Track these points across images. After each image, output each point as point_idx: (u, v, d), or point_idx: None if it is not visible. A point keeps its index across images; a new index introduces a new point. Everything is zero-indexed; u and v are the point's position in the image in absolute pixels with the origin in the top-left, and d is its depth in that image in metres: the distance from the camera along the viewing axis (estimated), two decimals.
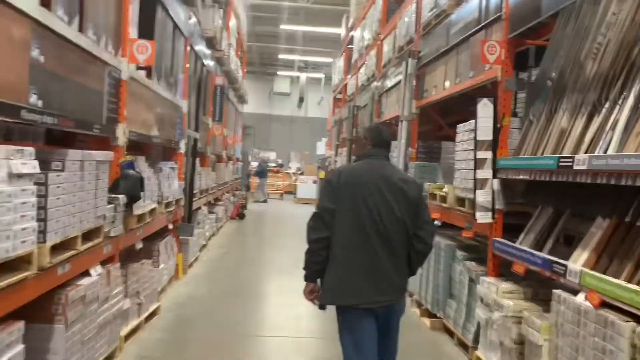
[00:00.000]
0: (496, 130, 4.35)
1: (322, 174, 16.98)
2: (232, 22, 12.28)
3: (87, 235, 3.56)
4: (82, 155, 3.38)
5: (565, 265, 3.17)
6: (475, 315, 4.29)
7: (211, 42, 9.28)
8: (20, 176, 2.62)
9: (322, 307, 2.99)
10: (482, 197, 4.31)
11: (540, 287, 3.87)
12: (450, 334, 4.93)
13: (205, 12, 8.41)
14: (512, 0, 4.29)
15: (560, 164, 3.27)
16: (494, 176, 4.29)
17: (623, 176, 2.72)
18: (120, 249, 4.26)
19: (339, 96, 16.32)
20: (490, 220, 4.30)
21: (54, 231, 3.00)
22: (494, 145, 4.32)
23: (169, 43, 6.11)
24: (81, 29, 3.56)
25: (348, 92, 13.60)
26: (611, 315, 2.67)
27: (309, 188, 19.80)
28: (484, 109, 4.38)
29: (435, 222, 5.57)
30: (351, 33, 13.76)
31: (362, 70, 11.28)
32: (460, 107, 7.33)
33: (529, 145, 4.00)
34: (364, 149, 3.06)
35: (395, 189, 2.87)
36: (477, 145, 4.35)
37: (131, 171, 4.37)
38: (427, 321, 5.36)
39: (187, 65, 7.20)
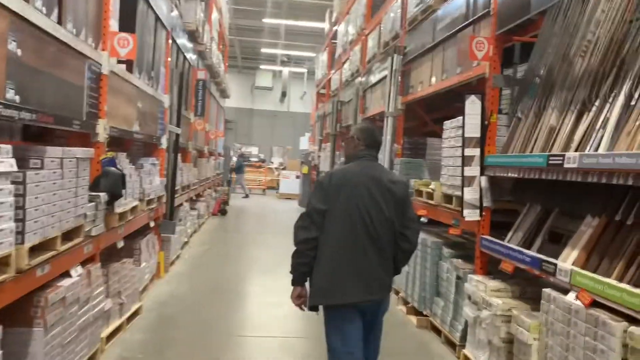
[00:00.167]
0: (484, 127, 4.32)
1: (305, 169, 16.92)
2: (214, 16, 12.12)
3: (67, 235, 3.45)
4: (61, 152, 3.26)
5: (555, 264, 3.16)
6: (462, 314, 4.28)
7: (193, 36, 9.13)
8: None
9: (313, 308, 2.97)
10: (470, 194, 4.29)
11: (527, 285, 3.86)
12: (438, 332, 4.91)
13: (187, 4, 8.26)
14: None
15: (550, 162, 3.25)
16: (482, 173, 4.27)
17: (614, 175, 2.70)
18: (101, 248, 4.15)
19: (322, 91, 16.24)
20: (478, 218, 4.28)
21: (32, 232, 2.89)
22: (481, 142, 4.30)
23: (150, 36, 5.97)
24: (60, 21, 3.43)
25: (332, 87, 13.54)
26: (602, 315, 2.66)
27: (291, 183, 19.69)
28: (472, 105, 4.35)
29: (422, 219, 5.54)
30: (335, 28, 13.68)
31: (346, 65, 11.21)
32: (445, 103, 7.33)
33: (518, 142, 3.98)
34: (355, 149, 3.06)
35: (384, 190, 2.92)
36: (465, 142, 4.33)
37: (112, 168, 4.25)
38: (413, 319, 5.34)
39: (169, 59, 7.06)
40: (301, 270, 2.90)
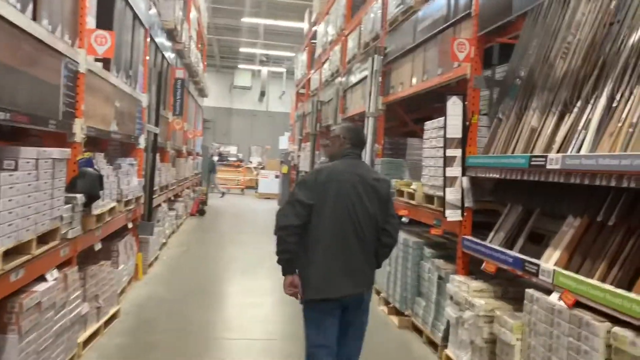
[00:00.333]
0: (465, 128, 4.34)
1: (284, 169, 16.84)
2: (193, 14, 11.98)
3: (43, 238, 3.35)
4: (37, 153, 3.17)
5: (537, 265, 3.17)
6: (444, 314, 4.28)
7: (171, 34, 9.01)
8: None
9: (307, 302, 3.03)
10: (452, 195, 4.30)
11: (509, 286, 3.88)
12: (419, 332, 4.91)
13: (165, 3, 8.14)
14: None
15: (532, 163, 3.26)
16: (463, 174, 4.28)
17: (597, 176, 2.72)
18: (78, 251, 4.05)
19: (302, 91, 16.20)
20: (459, 218, 4.29)
21: (6, 235, 2.80)
22: (463, 143, 4.32)
23: (128, 34, 5.86)
24: (35, 17, 3.33)
25: (311, 87, 13.50)
26: (586, 316, 2.67)
27: (270, 183, 19.57)
28: (454, 106, 4.36)
29: (403, 220, 5.55)
30: (314, 28, 13.64)
31: (326, 65, 11.19)
32: (424, 104, 7.36)
33: (499, 143, 4.00)
34: (341, 147, 3.15)
35: (368, 187, 3.04)
36: (447, 142, 4.33)
37: (89, 169, 4.14)
38: (395, 319, 5.34)
39: (147, 58, 6.94)
40: (285, 257, 2.96)
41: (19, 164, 2.93)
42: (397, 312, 5.41)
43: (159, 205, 8.28)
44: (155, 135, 7.37)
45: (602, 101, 2.97)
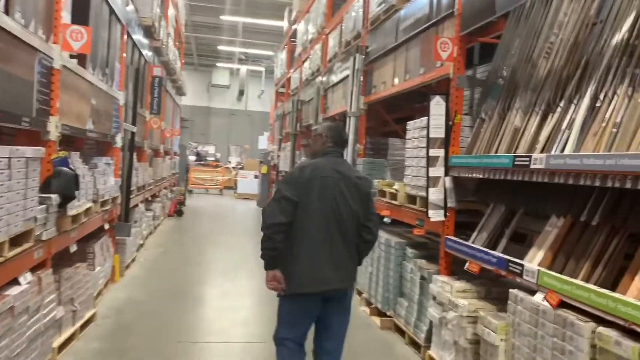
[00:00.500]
0: (448, 128, 4.33)
1: (264, 169, 16.73)
2: (171, 11, 11.81)
3: (16, 240, 3.23)
4: (9, 151, 3.05)
5: (521, 265, 3.17)
6: (427, 314, 4.27)
7: (149, 31, 8.85)
8: None
9: (286, 296, 3.07)
10: (435, 195, 4.28)
11: (492, 286, 3.88)
12: (402, 333, 4.89)
13: None
14: None
15: (516, 162, 3.26)
16: (446, 174, 4.27)
17: (582, 176, 2.72)
18: (52, 253, 3.92)
19: (281, 90, 16.10)
20: (442, 219, 4.28)
21: None
22: (446, 143, 4.31)
23: (105, 30, 5.71)
24: (7, 11, 3.20)
25: (291, 86, 13.42)
26: (570, 316, 2.67)
27: (250, 183, 19.44)
28: (437, 106, 4.35)
29: (385, 220, 5.53)
30: (294, 26, 13.57)
31: (306, 64, 11.12)
32: (405, 104, 7.36)
33: (482, 143, 4.00)
34: (323, 145, 3.21)
35: (351, 185, 3.11)
36: (430, 142, 4.32)
37: (65, 168, 4.01)
38: (377, 320, 5.31)
39: (124, 55, 6.79)
40: (270, 255, 2.99)
41: None
42: (379, 313, 5.38)
43: (136, 205, 8.13)
44: (133, 134, 7.22)
45: (586, 101, 2.98)
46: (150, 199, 10.33)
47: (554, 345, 2.75)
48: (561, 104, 3.22)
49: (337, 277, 3.03)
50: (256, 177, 18.74)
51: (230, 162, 25.22)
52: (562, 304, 2.77)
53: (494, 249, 3.69)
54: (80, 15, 4.67)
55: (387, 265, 5.30)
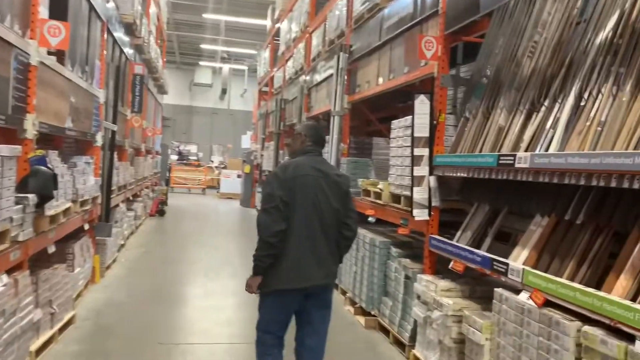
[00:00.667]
0: (432, 127, 4.32)
1: (247, 168, 16.63)
2: (152, 9, 11.66)
3: None
4: None
5: (506, 264, 3.16)
6: (412, 314, 4.25)
7: (130, 29, 8.72)
8: None
9: (269, 292, 3.09)
10: (419, 194, 4.27)
11: (477, 285, 3.88)
12: (386, 332, 4.87)
13: None
14: None
15: (501, 161, 3.26)
16: (431, 173, 4.26)
17: (566, 175, 2.72)
18: (30, 254, 3.82)
19: (264, 89, 16.02)
20: (427, 218, 4.27)
21: None
22: (430, 142, 4.29)
23: (84, 27, 5.60)
24: None
25: (275, 85, 13.35)
26: (556, 315, 2.67)
27: (232, 182, 19.29)
28: (421, 105, 4.34)
29: (369, 219, 5.51)
30: (277, 25, 13.50)
31: (289, 63, 11.07)
32: (390, 103, 7.36)
33: (466, 142, 4.00)
34: (302, 145, 3.26)
35: (331, 183, 3.16)
36: (414, 141, 4.30)
37: (42, 167, 3.91)
38: (361, 319, 5.29)
39: (105, 52, 6.67)
40: (269, 261, 3.00)
41: None
42: (364, 313, 5.36)
43: (117, 205, 8.01)
44: (113, 132, 7.11)
45: (570, 100, 2.98)
46: (131, 198, 10.19)
47: (540, 345, 2.74)
48: (546, 103, 3.22)
49: (319, 274, 3.07)
50: (239, 176, 18.62)
51: (212, 161, 25.03)
52: (548, 303, 2.77)
53: (478, 248, 3.69)
54: (59, 10, 4.56)
55: (372, 264, 5.28)
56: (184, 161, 23.66)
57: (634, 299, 2.38)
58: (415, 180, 4.27)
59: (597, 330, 2.43)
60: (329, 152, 6.54)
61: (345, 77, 6.64)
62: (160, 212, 13.51)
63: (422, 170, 4.28)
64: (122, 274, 6.99)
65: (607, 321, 2.37)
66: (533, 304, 2.83)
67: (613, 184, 2.41)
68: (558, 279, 2.74)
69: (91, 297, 5.70)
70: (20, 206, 3.57)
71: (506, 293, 3.10)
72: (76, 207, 5.15)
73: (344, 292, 6.00)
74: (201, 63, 26.64)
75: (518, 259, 3.20)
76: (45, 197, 3.92)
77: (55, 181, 4.07)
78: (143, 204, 11.74)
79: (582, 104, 2.88)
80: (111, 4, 6.98)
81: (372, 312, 5.21)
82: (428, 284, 3.99)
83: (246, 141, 19.85)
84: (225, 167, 21.93)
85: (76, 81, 5.25)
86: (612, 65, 2.77)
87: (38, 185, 3.80)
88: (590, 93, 2.84)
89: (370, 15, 6.06)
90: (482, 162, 3.50)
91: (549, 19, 3.52)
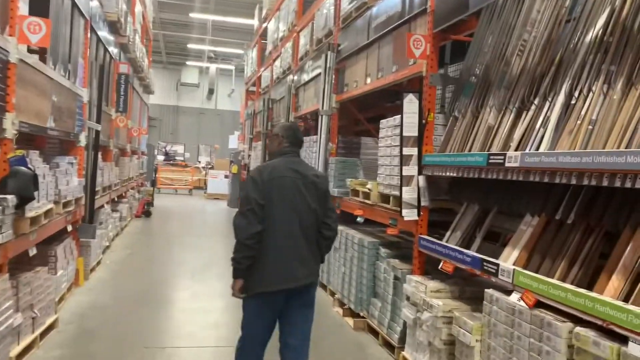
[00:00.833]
0: (421, 126, 4.28)
1: (234, 169, 16.53)
2: (138, 8, 11.52)
3: None
4: None
5: (497, 264, 3.12)
6: (401, 315, 4.21)
7: (115, 27, 8.60)
8: None
9: (253, 295, 3.05)
10: (408, 194, 4.23)
11: (466, 285, 3.84)
12: (375, 334, 4.82)
13: None
14: None
15: (491, 161, 3.22)
16: (420, 173, 4.22)
17: (557, 174, 2.69)
18: (9, 257, 3.71)
19: (252, 88, 15.92)
20: (416, 218, 4.23)
21: None
22: (419, 141, 4.25)
23: (67, 24, 5.49)
24: None
25: (262, 84, 13.26)
26: (547, 316, 2.63)
27: (220, 183, 19.17)
28: (410, 104, 4.30)
29: (358, 219, 5.46)
30: (265, 24, 13.41)
31: (277, 62, 10.99)
32: (378, 102, 7.32)
33: (455, 141, 3.96)
34: (280, 146, 3.25)
35: (309, 184, 3.15)
36: (403, 141, 4.26)
37: (22, 168, 3.81)
38: (350, 321, 5.23)
39: (88, 50, 6.55)
40: (246, 263, 2.99)
41: None
42: (352, 314, 5.30)
43: (102, 206, 7.89)
44: (97, 132, 6.99)
45: (560, 98, 2.95)
46: (116, 199, 10.06)
47: (531, 346, 2.71)
48: (536, 102, 3.19)
49: (302, 274, 3.07)
50: (226, 177, 18.50)
51: (199, 161, 24.85)
52: (539, 304, 2.73)
53: (467, 248, 3.65)
54: (39, 7, 4.46)
55: (361, 265, 5.23)
56: (171, 162, 23.48)
57: (626, 300, 2.35)
58: (404, 180, 4.23)
59: (589, 332, 2.39)
60: (317, 152, 6.49)
61: (333, 77, 6.58)
62: (147, 213, 13.37)
63: (411, 169, 4.24)
64: (107, 276, 6.87)
65: (599, 322, 2.34)
66: (524, 305, 2.79)
67: (605, 183, 2.38)
68: (549, 279, 2.71)
69: (75, 301, 5.59)
70: None
71: (497, 294, 3.06)
72: (59, 208, 5.04)
73: (332, 293, 5.94)
74: (188, 63, 26.44)
75: (508, 260, 3.16)
76: (25, 198, 3.81)
77: (36, 182, 3.97)
78: (129, 205, 11.60)
79: (573, 102, 2.85)
80: (95, 2, 6.87)
81: (361, 314, 5.16)
82: (417, 285, 3.95)
83: (233, 141, 19.72)
84: (212, 168, 21.78)
85: (58, 80, 5.14)
86: (603, 64, 2.74)
87: (18, 186, 3.70)
88: (580, 91, 2.81)
89: (358, 14, 6.01)
90: (471, 161, 3.46)
91: (538, 17, 3.49)
